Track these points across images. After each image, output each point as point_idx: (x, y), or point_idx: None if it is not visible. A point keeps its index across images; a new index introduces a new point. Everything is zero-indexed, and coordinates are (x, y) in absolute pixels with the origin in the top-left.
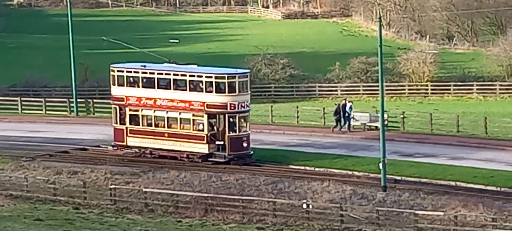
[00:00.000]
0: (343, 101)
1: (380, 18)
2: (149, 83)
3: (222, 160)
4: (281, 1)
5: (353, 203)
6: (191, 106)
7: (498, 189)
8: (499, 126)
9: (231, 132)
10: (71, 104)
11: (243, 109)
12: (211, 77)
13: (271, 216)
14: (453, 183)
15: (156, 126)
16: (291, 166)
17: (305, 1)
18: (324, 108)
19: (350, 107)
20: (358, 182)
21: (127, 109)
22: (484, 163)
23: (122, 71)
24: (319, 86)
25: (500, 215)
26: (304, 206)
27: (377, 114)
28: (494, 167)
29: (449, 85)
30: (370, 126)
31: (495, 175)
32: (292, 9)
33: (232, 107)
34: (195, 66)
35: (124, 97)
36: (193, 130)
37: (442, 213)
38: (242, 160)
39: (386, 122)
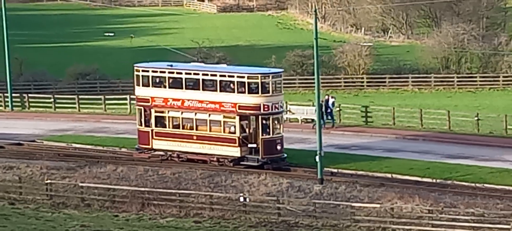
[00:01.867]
0: (326, 97)
1: (315, 11)
2: (176, 83)
3: (255, 164)
4: None
5: (290, 196)
6: (222, 108)
7: (434, 181)
8: (434, 118)
9: (264, 134)
10: (6, 99)
11: (276, 110)
12: (243, 77)
13: (208, 210)
14: (389, 175)
15: (184, 128)
16: None
17: None
18: None
19: (333, 103)
20: (295, 175)
21: (152, 110)
22: (420, 155)
23: (147, 71)
24: None
25: (436, 207)
26: (241, 199)
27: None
28: (429, 159)
29: (385, 78)
30: (306, 119)
31: (430, 167)
32: (228, 2)
33: (265, 109)
34: (225, 65)
35: (150, 98)
36: (223, 132)
37: (378, 205)
38: (275, 164)
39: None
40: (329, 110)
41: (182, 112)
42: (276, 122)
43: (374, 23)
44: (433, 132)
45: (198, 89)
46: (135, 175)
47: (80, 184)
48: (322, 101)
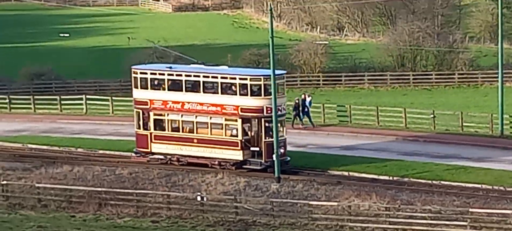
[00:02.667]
0: (303, 96)
1: (270, 9)
2: (176, 85)
3: (258, 167)
4: None
5: (247, 195)
6: (224, 110)
7: (391, 178)
8: (390, 116)
9: (267, 137)
10: None
11: (280, 113)
12: (245, 79)
13: (166, 209)
14: (346, 173)
15: (184, 131)
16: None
17: None
18: None
19: (310, 102)
20: (252, 174)
21: (151, 113)
22: (377, 153)
23: (146, 73)
24: None
25: (393, 204)
26: (198, 198)
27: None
28: (386, 156)
29: (341, 76)
30: None
31: (387, 164)
32: (183, 1)
33: (268, 111)
34: (226, 67)
35: (148, 101)
36: (225, 135)
37: (336, 203)
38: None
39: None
40: (306, 109)
41: (182, 115)
42: (279, 125)
43: (330, 22)
44: (389, 130)
45: (199, 91)
46: (91, 175)
47: (37, 185)
48: (298, 100)
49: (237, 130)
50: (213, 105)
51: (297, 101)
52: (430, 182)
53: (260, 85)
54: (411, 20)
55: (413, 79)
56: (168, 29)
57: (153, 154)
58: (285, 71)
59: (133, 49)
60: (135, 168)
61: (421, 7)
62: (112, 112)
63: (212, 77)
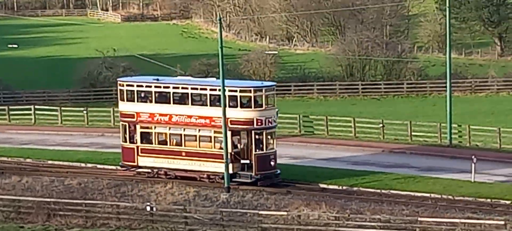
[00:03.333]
0: None
1: (220, 19)
2: (163, 98)
3: (249, 180)
4: (120, 4)
5: (197, 204)
6: (212, 123)
7: (340, 187)
8: (339, 126)
9: (257, 150)
10: None
11: (270, 125)
12: (235, 90)
13: (115, 220)
14: (295, 183)
15: (172, 144)
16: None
17: (144, 3)
18: None
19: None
20: (202, 184)
21: (137, 126)
22: (326, 162)
23: (132, 85)
24: None
25: (343, 214)
26: (148, 208)
27: None
28: (335, 166)
29: (290, 86)
30: None
31: (336, 173)
32: (132, 11)
33: (258, 124)
34: (214, 79)
35: (135, 113)
36: (214, 148)
37: (285, 213)
38: (269, 180)
39: None
40: None
41: (169, 128)
42: (269, 137)
43: (279, 32)
44: (338, 139)
45: (187, 104)
46: (40, 186)
47: None
48: None
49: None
50: (201, 117)
51: None
52: (379, 191)
53: (250, 97)
54: (360, 30)
55: (362, 88)
56: (118, 39)
57: (140, 167)
58: (274, 84)
59: (81, 60)
60: (84, 178)
61: (370, 17)
62: (61, 122)
63: (201, 89)
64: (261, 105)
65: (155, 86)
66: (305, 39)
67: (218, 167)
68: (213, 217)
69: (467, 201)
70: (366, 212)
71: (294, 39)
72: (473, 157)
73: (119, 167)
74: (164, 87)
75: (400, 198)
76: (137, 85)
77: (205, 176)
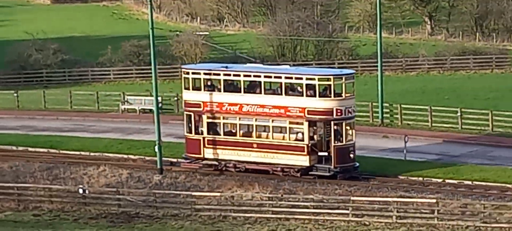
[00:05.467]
0: None
1: (150, 1)
2: (233, 87)
3: (327, 174)
4: None
5: (129, 186)
6: (288, 113)
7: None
8: None
9: (336, 142)
10: None
11: (349, 115)
12: (313, 79)
13: (47, 203)
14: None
15: (242, 135)
16: (66, 151)
17: None
18: (97, 92)
19: None
20: (134, 166)
21: (204, 116)
22: None
23: (199, 73)
24: (91, 71)
25: (276, 194)
26: (80, 191)
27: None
28: None
29: None
30: (144, 109)
31: None
32: None
33: (338, 114)
34: (287, 66)
35: (201, 103)
36: (290, 140)
37: (218, 194)
38: (348, 173)
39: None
40: None
41: (239, 118)
42: (348, 128)
43: (210, 12)
44: None
45: (260, 93)
46: None
47: None
48: None
49: (303, 133)
50: (276, 107)
51: None
52: None
53: (329, 85)
54: (291, 10)
55: None
56: (47, 21)
57: (206, 159)
58: (354, 71)
59: (10, 42)
60: (15, 161)
61: None
62: None
63: (275, 77)
64: (341, 95)
65: (224, 75)
66: (236, 20)
67: (294, 160)
68: (146, 199)
69: (399, 180)
70: (299, 192)
71: (225, 20)
72: (405, 136)
73: (181, 160)
74: (234, 75)
75: (334, 178)
76: (204, 73)
77: (278, 169)
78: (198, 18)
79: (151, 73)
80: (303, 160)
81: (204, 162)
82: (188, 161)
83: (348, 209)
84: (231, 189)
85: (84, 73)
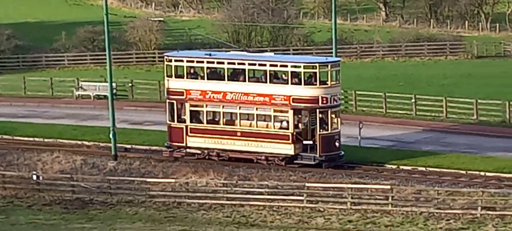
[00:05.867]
0: None
1: None
2: (216, 74)
3: (312, 162)
4: None
5: (84, 173)
6: (272, 101)
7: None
8: None
9: (322, 130)
10: None
11: (335, 103)
12: (299, 66)
13: (1, 189)
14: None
15: (225, 123)
16: (20, 138)
17: None
18: (51, 78)
19: None
20: (89, 152)
21: (187, 104)
22: None
23: (181, 61)
24: (45, 57)
25: (230, 180)
26: (34, 177)
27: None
28: None
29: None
30: (99, 95)
31: None
32: None
33: (324, 102)
34: (272, 54)
35: (184, 91)
36: (274, 128)
37: (173, 180)
38: (333, 162)
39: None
40: None
41: (223, 106)
42: (334, 116)
43: None
44: None
45: (244, 80)
46: None
47: None
48: None
49: (287, 122)
50: (260, 95)
51: None
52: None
53: (315, 73)
54: None
55: None
56: (1, 7)
57: (189, 148)
58: (340, 59)
59: None
60: None
61: None
62: None
63: (260, 64)
64: (327, 82)
65: (208, 62)
66: (191, 6)
67: (278, 148)
68: (100, 185)
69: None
70: (254, 179)
71: (180, 6)
72: (359, 122)
73: (163, 148)
74: (218, 62)
75: (289, 164)
76: (188, 61)
77: (263, 157)
78: (153, 4)
79: (105, 59)
80: (287, 149)
81: (187, 150)
82: (170, 149)
83: (302, 196)
84: (185, 175)
85: (38, 59)
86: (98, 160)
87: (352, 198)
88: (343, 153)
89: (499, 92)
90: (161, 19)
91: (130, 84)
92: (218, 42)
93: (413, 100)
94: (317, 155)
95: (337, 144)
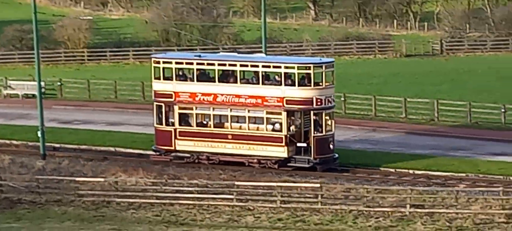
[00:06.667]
0: None
1: None
2: (206, 76)
3: (306, 165)
4: None
5: (12, 172)
6: (265, 103)
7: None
8: None
9: (316, 132)
10: None
11: (329, 105)
12: (292, 67)
13: None
14: (112, 149)
15: (216, 126)
16: None
17: None
18: None
19: None
20: (17, 151)
21: (175, 107)
22: (143, 128)
23: (170, 62)
24: None
25: (160, 179)
26: None
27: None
28: (152, 131)
29: (105, 52)
30: (27, 95)
31: (153, 139)
32: None
33: (318, 103)
34: (262, 55)
35: (173, 93)
36: (267, 131)
37: (102, 179)
38: (327, 165)
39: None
40: None
41: (213, 109)
42: (328, 118)
43: None
44: None
45: (235, 82)
46: None
47: None
48: None
49: (280, 124)
50: (252, 97)
51: None
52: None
53: (309, 74)
54: None
55: None
56: None
57: (178, 152)
58: (333, 60)
59: None
60: None
61: None
62: None
63: (252, 66)
64: (321, 84)
65: (198, 64)
66: (120, 5)
67: (271, 151)
68: (29, 184)
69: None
70: (183, 177)
71: (109, 5)
72: None
73: (151, 152)
74: (208, 64)
75: (219, 163)
76: (176, 62)
77: (255, 160)
78: (82, 2)
79: (34, 58)
80: (281, 151)
81: (176, 154)
82: (158, 153)
83: (232, 194)
84: (115, 174)
85: None
86: (27, 159)
87: (281, 196)
88: (337, 155)
89: (428, 91)
90: (90, 17)
91: (59, 83)
92: (147, 41)
93: (342, 99)
94: (311, 158)
95: (331, 146)
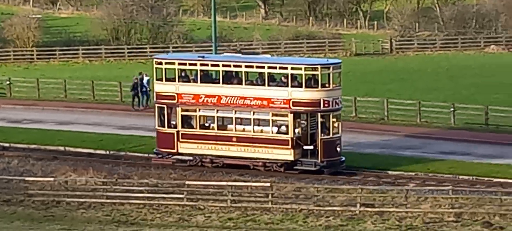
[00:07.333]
0: (140, 75)
1: None
2: (210, 77)
3: (313, 168)
4: None
5: None
6: (271, 105)
7: (107, 152)
8: (106, 90)
9: (323, 134)
10: None
11: (337, 107)
12: (299, 68)
13: None
14: (62, 148)
15: (220, 128)
16: None
17: None
18: None
19: (148, 81)
20: None
21: (178, 109)
22: (92, 127)
23: (173, 63)
24: None
25: (110, 178)
26: None
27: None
28: (102, 130)
29: (55, 50)
30: None
31: (103, 138)
32: None
33: (325, 105)
34: (268, 56)
35: (175, 95)
36: (272, 133)
37: (52, 179)
38: (334, 168)
39: None
40: (144, 89)
41: (217, 111)
42: (335, 120)
43: None
44: (105, 104)
45: (240, 83)
46: None
47: None
48: (136, 79)
49: (286, 126)
50: (258, 99)
51: (135, 80)
52: (147, 155)
53: (316, 75)
54: None
55: (128, 52)
56: None
57: (181, 154)
58: (340, 61)
59: None
60: None
61: None
62: None
63: (258, 67)
64: (328, 85)
65: (201, 65)
66: (69, 3)
67: (277, 154)
68: None
69: (235, 164)
70: (134, 177)
71: (58, 3)
72: None
73: (152, 155)
74: (212, 65)
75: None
76: (179, 64)
77: (260, 163)
78: (31, 1)
79: None
80: (287, 154)
81: (178, 157)
82: (159, 156)
83: (183, 193)
84: (65, 174)
85: None
86: None
87: (232, 195)
88: (344, 158)
89: (378, 90)
90: (39, 16)
91: (8, 82)
92: (97, 40)
93: None
94: (318, 161)
95: (338, 149)
